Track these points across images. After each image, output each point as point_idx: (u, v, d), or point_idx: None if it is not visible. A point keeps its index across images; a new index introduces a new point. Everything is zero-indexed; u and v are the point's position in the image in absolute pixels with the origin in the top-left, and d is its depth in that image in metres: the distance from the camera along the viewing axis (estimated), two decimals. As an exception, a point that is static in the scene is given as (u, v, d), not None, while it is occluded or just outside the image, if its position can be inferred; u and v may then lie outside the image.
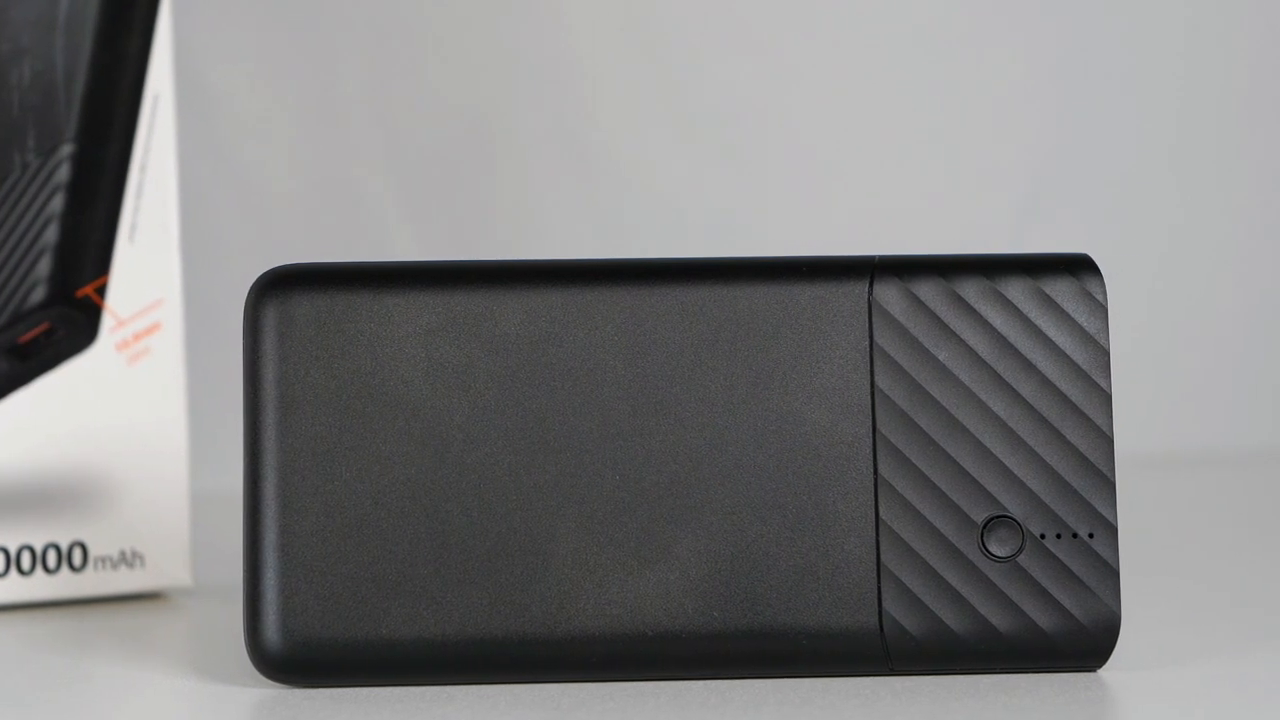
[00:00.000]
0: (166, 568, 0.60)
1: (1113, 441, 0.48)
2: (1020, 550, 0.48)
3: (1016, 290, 0.48)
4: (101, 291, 0.60)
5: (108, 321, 0.60)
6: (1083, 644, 0.48)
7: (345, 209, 0.92)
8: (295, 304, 0.48)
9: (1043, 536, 0.48)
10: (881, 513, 0.48)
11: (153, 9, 0.60)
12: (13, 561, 0.58)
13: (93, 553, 0.59)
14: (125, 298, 0.60)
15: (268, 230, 0.92)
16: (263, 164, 0.92)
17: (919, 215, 0.96)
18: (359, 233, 0.92)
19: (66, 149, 0.59)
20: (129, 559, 0.60)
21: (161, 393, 0.60)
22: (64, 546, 0.59)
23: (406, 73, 0.93)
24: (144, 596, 0.61)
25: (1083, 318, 0.48)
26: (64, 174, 0.59)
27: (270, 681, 0.48)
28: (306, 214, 0.92)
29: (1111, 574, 0.48)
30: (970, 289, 0.48)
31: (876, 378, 0.48)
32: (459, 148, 0.93)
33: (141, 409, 0.60)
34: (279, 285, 0.48)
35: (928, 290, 0.48)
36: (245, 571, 0.47)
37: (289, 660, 0.47)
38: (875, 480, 0.48)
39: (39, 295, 0.59)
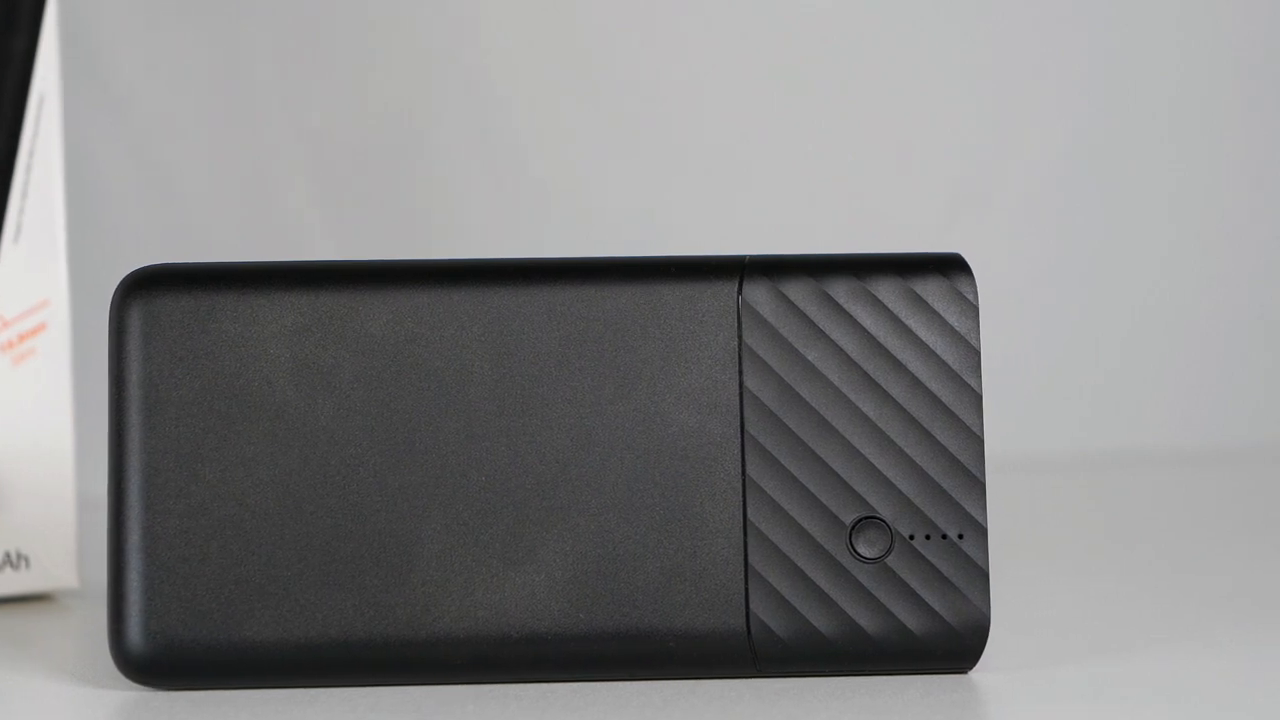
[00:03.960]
0: (53, 570, 0.60)
1: (983, 442, 0.48)
2: (889, 551, 0.48)
3: (887, 290, 0.48)
4: (-14, 292, 0.59)
5: (-8, 322, 0.59)
6: (952, 645, 0.47)
7: (260, 210, 0.92)
8: (160, 304, 0.48)
9: (912, 537, 0.48)
10: (749, 514, 0.48)
11: (39, 8, 0.59)
12: (-103, 564, 0.58)
13: (-23, 555, 0.59)
14: (10, 299, 0.59)
15: (181, 232, 0.91)
16: (176, 165, 0.91)
17: (840, 216, 0.96)
18: (274, 234, 0.92)
19: (-50, 148, 0.59)
20: (14, 561, 0.59)
21: (47, 394, 0.60)
22: (-52, 549, 0.59)
23: (323, 72, 0.93)
24: (30, 599, 0.60)
25: (953, 318, 0.48)
26: (-53, 174, 0.59)
27: (134, 684, 0.47)
28: (221, 216, 0.92)
29: (981, 575, 0.47)
30: (840, 289, 0.48)
31: (745, 378, 0.48)
32: (376, 147, 0.93)
33: (27, 410, 0.59)
34: (144, 285, 0.48)
35: (798, 290, 0.48)
36: (109, 573, 0.47)
37: (152, 662, 0.47)
38: (743, 481, 0.48)
39: (-79, 296, 0.59)
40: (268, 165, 0.92)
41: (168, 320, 0.48)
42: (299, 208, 0.92)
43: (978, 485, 0.48)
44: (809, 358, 0.48)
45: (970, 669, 0.48)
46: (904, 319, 0.48)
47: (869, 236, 0.92)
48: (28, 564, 0.60)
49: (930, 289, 0.48)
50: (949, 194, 0.97)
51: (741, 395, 0.48)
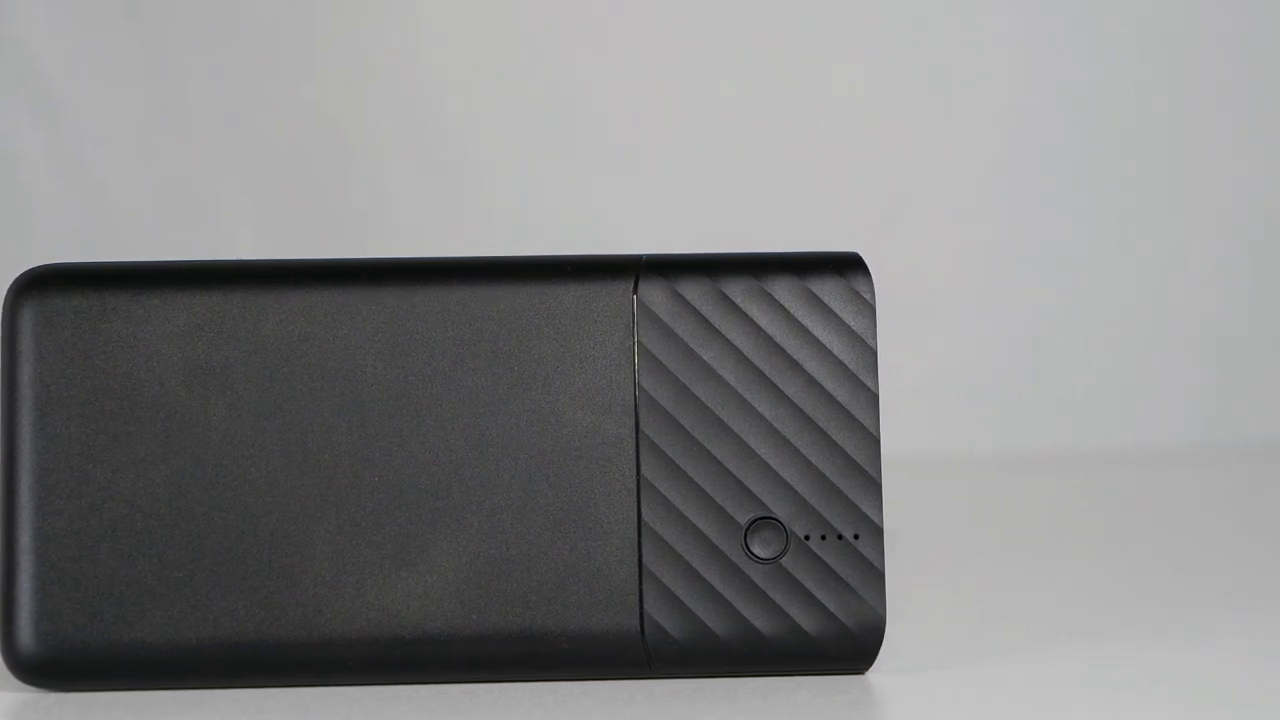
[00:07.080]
0: (-37, 571, 0.60)
1: (879, 442, 0.48)
2: (784, 552, 0.47)
3: (784, 290, 0.48)
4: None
5: (-99, 322, 0.59)
6: (847, 646, 0.47)
7: (188, 212, 0.92)
8: (53, 304, 0.47)
9: (807, 538, 0.47)
10: (644, 514, 0.47)
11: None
12: None
13: (-114, 556, 0.59)
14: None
15: (107, 233, 0.91)
16: (102, 164, 0.91)
17: (779, 217, 0.96)
18: (202, 236, 0.91)
19: None
20: (-76, 562, 0.59)
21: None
22: None
23: (255, 73, 0.92)
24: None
25: (850, 317, 0.48)
26: None
27: (25, 685, 0.47)
28: (147, 216, 0.91)
29: (876, 575, 0.47)
30: (737, 288, 0.48)
31: (640, 378, 0.48)
32: (309, 149, 0.92)
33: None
34: (37, 285, 0.48)
35: (694, 289, 0.48)
36: (0, 574, 0.47)
37: (43, 663, 0.47)
38: (638, 481, 0.47)
39: None
40: (196, 165, 0.92)
41: (60, 320, 0.47)
42: (229, 210, 0.92)
43: (874, 485, 0.48)
44: (705, 357, 0.48)
45: (867, 669, 0.48)
46: (800, 319, 0.48)
47: (828, 236, 0.92)
48: (-63, 565, 0.59)
49: (827, 289, 0.48)
50: (886, 198, 0.97)
51: (636, 395, 0.48)
